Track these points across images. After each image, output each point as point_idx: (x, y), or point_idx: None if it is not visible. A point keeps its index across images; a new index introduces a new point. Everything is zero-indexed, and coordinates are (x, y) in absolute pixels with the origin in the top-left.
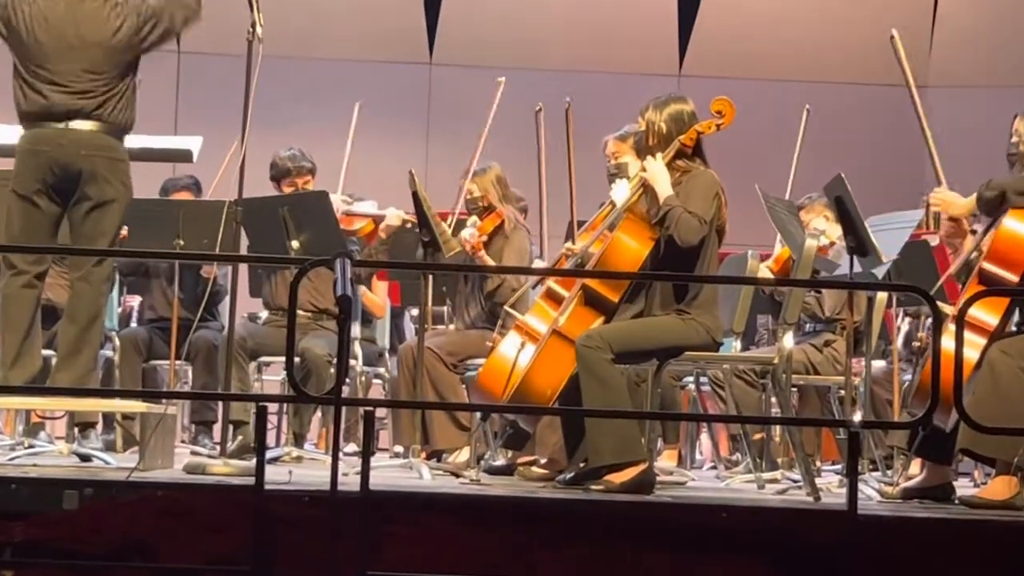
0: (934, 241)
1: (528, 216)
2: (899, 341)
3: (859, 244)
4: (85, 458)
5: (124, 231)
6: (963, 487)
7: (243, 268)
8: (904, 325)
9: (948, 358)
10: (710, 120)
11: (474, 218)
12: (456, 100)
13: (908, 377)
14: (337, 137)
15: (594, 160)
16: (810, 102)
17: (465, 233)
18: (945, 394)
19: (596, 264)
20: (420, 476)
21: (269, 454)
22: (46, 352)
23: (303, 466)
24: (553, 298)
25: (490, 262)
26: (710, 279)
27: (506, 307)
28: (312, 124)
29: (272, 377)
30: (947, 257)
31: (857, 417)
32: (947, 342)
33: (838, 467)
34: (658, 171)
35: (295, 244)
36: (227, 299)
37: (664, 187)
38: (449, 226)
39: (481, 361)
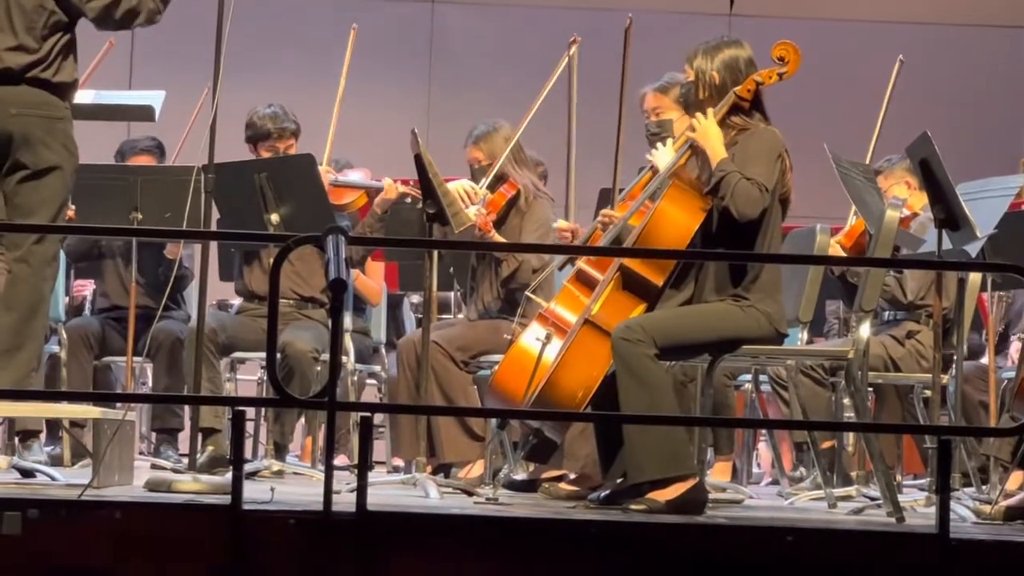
0: None
1: (550, 183)
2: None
3: (949, 215)
4: (28, 473)
5: (72, 211)
6: None
7: (213, 247)
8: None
9: None
10: (771, 68)
11: (484, 191)
12: (465, 44)
13: (1008, 374)
14: (325, 89)
15: (629, 117)
16: (886, 45)
17: (472, 212)
18: None
19: (636, 240)
20: (426, 494)
21: (246, 468)
22: None
23: (286, 482)
24: (584, 281)
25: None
26: (772, 258)
27: (527, 292)
28: (295, 73)
29: (247, 377)
30: None
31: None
32: None
33: (923, 482)
34: (709, 130)
35: (274, 218)
36: (194, 284)
37: (717, 148)
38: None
39: (497, 358)
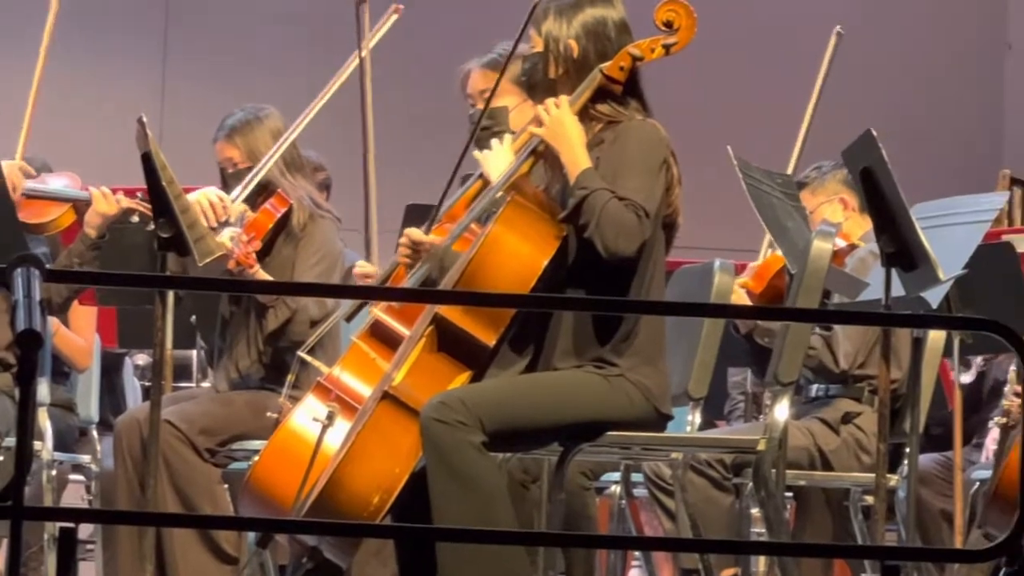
0: None
1: (336, 196)
2: None
3: (900, 249)
4: None
5: None
6: None
7: None
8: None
9: None
10: (654, 38)
11: (239, 205)
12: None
13: (982, 474)
14: (17, 62)
15: (444, 102)
16: (825, 16)
17: (225, 236)
18: None
19: (458, 280)
20: None
21: None
22: None
23: None
24: (382, 338)
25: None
26: (651, 307)
27: (300, 353)
28: None
29: None
30: None
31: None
32: None
33: None
34: (565, 126)
35: None
36: None
37: (577, 153)
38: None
39: (258, 445)
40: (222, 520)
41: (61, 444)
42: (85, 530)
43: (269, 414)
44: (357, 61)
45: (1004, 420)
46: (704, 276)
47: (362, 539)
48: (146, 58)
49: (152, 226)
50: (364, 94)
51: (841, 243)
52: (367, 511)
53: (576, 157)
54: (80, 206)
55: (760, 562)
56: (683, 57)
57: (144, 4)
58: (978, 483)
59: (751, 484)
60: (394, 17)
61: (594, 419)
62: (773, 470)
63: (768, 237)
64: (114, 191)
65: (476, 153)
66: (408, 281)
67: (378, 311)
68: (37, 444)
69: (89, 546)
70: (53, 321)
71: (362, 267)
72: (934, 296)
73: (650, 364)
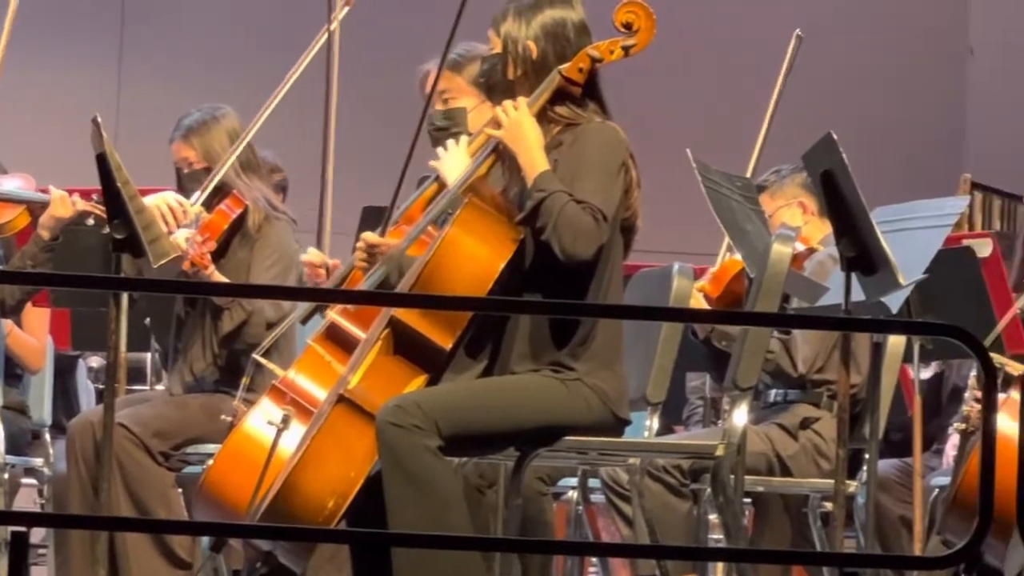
0: (985, 250)
1: (293, 198)
2: None
3: (860, 253)
4: None
5: None
6: None
7: None
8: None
9: (1009, 449)
10: (613, 39)
11: (196, 208)
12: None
13: (941, 480)
14: None
15: (405, 104)
16: (786, 19)
17: (180, 238)
18: (1003, 509)
19: (415, 283)
20: None
21: None
22: None
23: None
24: (338, 341)
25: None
26: (609, 311)
27: (255, 355)
28: None
29: None
30: (1005, 278)
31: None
32: (1007, 424)
33: None
34: (523, 127)
35: None
36: None
37: (535, 155)
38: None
39: (212, 448)
40: (176, 524)
41: (13, 447)
42: (37, 534)
43: (224, 417)
44: (324, 40)
45: (964, 426)
46: (663, 280)
47: (317, 544)
48: (102, 58)
49: (107, 228)
50: (330, 71)
51: (800, 247)
52: (322, 516)
53: (534, 159)
54: (35, 208)
55: (718, 568)
56: (642, 59)
57: (99, 4)
58: (937, 489)
59: (709, 490)
60: (346, 8)
61: (551, 424)
62: (731, 476)
63: (727, 240)
64: (69, 192)
65: (432, 163)
66: (364, 284)
67: (334, 314)
68: None
69: (41, 550)
70: (6, 322)
71: (310, 255)
72: (894, 301)
73: (607, 368)
